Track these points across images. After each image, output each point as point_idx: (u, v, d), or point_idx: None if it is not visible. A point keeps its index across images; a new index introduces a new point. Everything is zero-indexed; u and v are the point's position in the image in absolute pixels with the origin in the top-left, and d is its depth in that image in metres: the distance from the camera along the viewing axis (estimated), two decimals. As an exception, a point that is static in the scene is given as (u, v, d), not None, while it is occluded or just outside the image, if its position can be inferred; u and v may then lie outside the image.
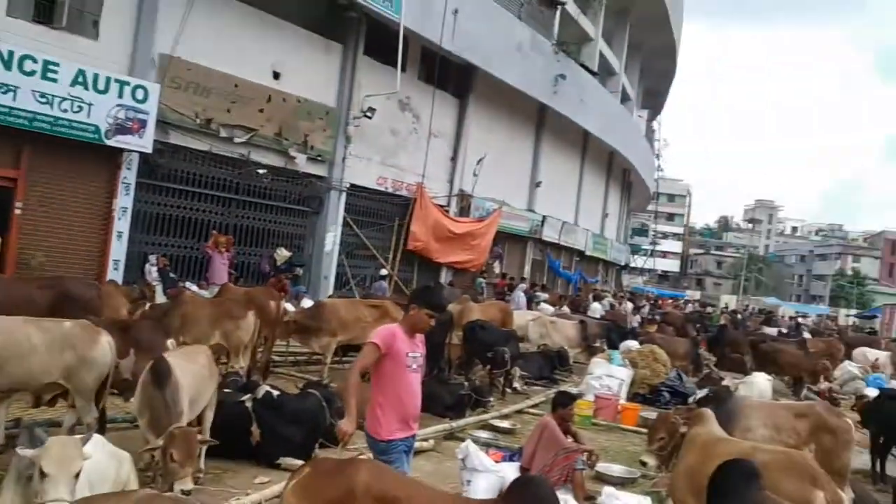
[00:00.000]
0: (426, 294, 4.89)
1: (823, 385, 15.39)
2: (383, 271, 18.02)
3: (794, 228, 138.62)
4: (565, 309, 20.40)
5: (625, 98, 37.57)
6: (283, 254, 15.80)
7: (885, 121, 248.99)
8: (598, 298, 24.03)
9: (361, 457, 4.84)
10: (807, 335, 26.07)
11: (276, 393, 6.99)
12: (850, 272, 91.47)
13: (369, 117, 16.98)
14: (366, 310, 11.10)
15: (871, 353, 20.45)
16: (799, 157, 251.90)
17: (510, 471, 6.24)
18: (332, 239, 17.00)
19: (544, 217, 25.94)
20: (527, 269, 25.93)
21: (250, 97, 14.82)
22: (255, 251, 15.91)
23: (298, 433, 6.70)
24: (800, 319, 41.84)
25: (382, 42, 17.08)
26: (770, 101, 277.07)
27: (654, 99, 49.75)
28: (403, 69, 17.53)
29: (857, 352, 20.66)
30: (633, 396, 12.33)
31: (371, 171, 18.10)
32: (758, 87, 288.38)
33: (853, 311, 58.18)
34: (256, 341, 9.43)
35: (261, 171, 15.31)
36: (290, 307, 11.63)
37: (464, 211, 21.23)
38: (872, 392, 11.57)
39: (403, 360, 4.51)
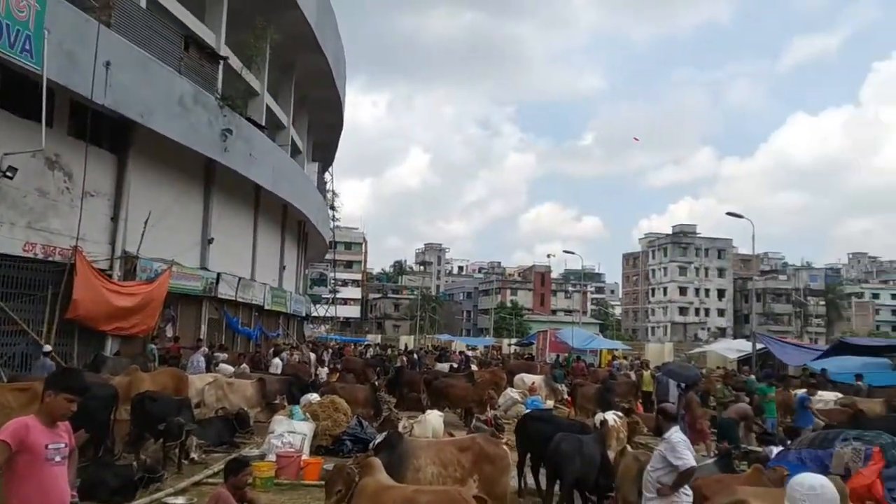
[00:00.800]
0: (62, 377, 4.57)
1: (490, 413, 16.89)
2: (46, 347, 16.04)
3: (461, 268, 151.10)
4: (245, 367, 19.98)
5: (295, 151, 38.12)
6: None
7: (523, 166, 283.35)
8: (278, 353, 23.87)
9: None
10: (474, 367, 28.41)
11: None
12: (509, 304, 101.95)
13: (10, 177, 15.24)
14: (10, 395, 9.75)
15: (529, 378, 22.90)
16: (460, 200, 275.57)
17: (183, 551, 5.95)
18: (-31, 316, 14.90)
19: (219, 274, 25.17)
20: (203, 329, 24.88)
21: None
22: None
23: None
24: (469, 353, 45.45)
25: (23, 95, 15.51)
26: (431, 147, 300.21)
27: (324, 151, 51.19)
28: (50, 124, 16.06)
29: (517, 378, 22.99)
30: (316, 449, 12.45)
31: (16, 237, 16.17)
32: (420, 136, 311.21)
33: (514, 340, 64.58)
34: None
35: None
36: (-86, 401, 9.96)
37: (129, 274, 19.77)
38: (533, 414, 12.94)
39: (42, 454, 4.12)
